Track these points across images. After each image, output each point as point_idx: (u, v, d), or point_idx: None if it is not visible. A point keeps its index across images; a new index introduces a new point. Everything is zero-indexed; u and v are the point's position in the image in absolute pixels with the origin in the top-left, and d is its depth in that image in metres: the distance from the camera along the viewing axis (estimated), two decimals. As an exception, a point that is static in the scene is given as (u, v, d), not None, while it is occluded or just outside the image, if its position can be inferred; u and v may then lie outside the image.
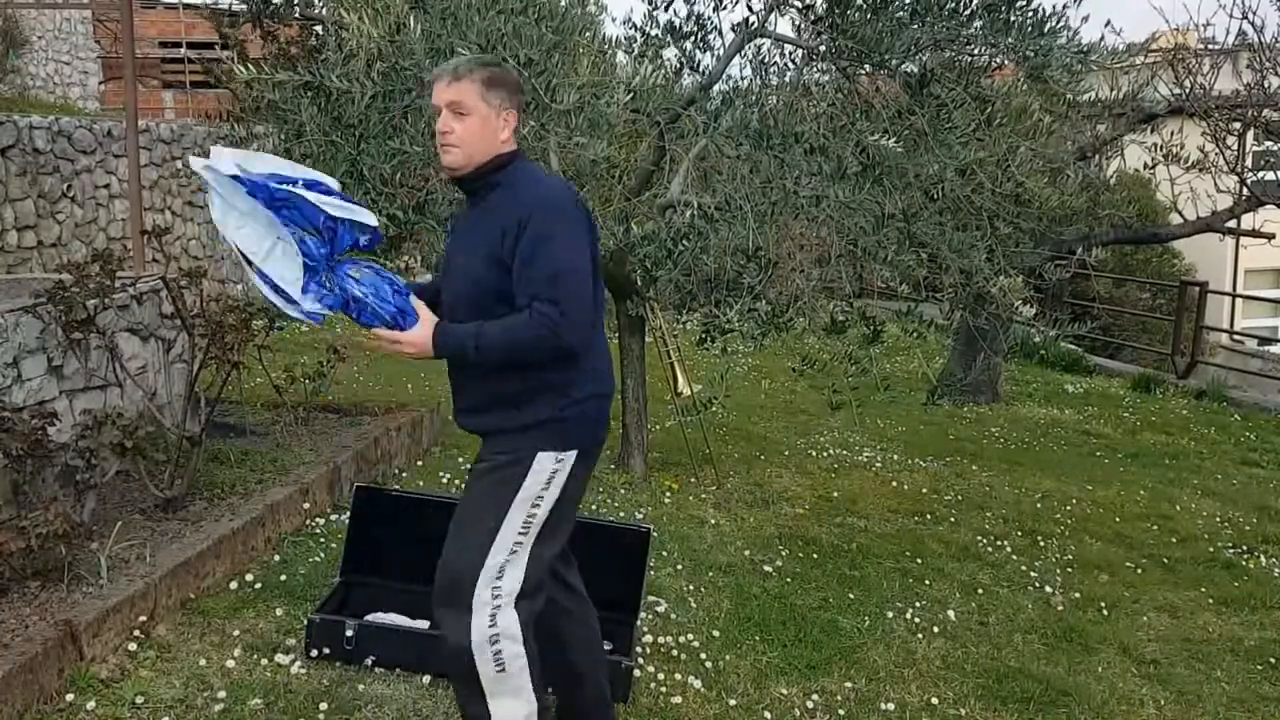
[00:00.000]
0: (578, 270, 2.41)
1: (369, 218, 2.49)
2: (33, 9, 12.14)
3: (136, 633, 3.15)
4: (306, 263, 2.40)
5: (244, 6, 5.30)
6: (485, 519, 2.48)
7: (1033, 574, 4.73)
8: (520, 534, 2.48)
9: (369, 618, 3.31)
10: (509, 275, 2.41)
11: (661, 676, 3.31)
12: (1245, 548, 5.48)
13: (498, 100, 2.48)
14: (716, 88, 4.74)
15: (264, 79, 3.91)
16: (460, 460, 5.41)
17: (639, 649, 3.42)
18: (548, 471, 2.48)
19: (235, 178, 2.34)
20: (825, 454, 6.67)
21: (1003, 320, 6.17)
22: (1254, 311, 15.90)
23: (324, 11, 5.46)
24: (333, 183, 2.50)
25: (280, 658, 3.17)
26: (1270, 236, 9.09)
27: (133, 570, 3.34)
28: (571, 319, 2.38)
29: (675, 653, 3.52)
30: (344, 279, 2.46)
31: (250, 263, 2.38)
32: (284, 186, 2.38)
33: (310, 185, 2.42)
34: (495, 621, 2.46)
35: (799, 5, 4.47)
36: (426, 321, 2.49)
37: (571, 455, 2.51)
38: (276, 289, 2.39)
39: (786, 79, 4.74)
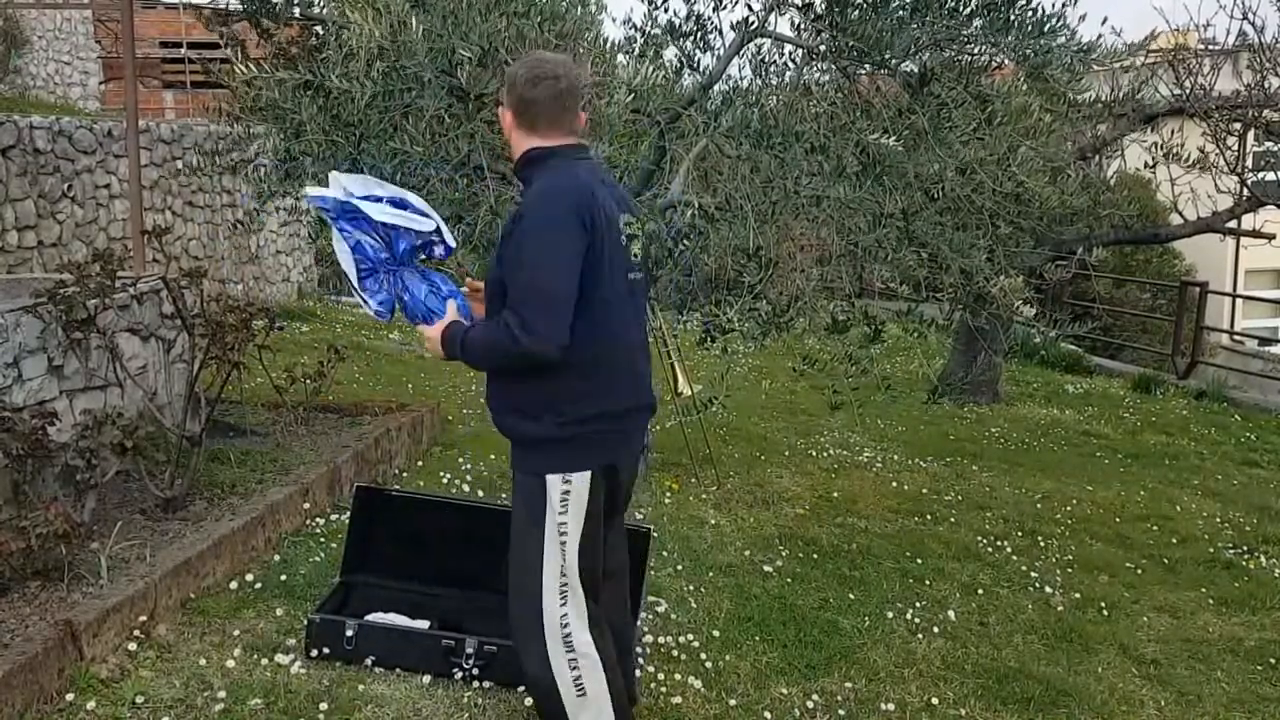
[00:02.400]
0: (548, 281, 2.38)
1: (421, 224, 2.65)
2: (33, 9, 12.13)
3: (136, 633, 3.14)
4: (360, 262, 2.63)
5: (240, 6, 5.29)
6: (528, 557, 2.57)
7: (1033, 574, 4.73)
8: (562, 563, 2.55)
9: (369, 618, 3.31)
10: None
11: (661, 677, 3.31)
12: (1245, 548, 5.48)
13: (505, 101, 2.58)
14: (716, 87, 4.74)
15: (264, 78, 3.90)
16: (460, 461, 5.41)
17: (639, 649, 3.42)
18: (558, 494, 2.52)
19: (332, 200, 2.60)
20: (825, 454, 6.66)
21: (1003, 320, 6.17)
22: (1254, 312, 15.89)
23: (324, 11, 5.46)
24: (414, 198, 2.69)
25: (280, 658, 3.16)
26: (1270, 237, 9.09)
27: (133, 570, 3.34)
28: (535, 333, 2.37)
29: (675, 653, 3.52)
30: (400, 281, 2.68)
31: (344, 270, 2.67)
32: (353, 200, 2.58)
33: (391, 200, 2.64)
34: (572, 647, 2.55)
35: (798, 4, 4.47)
36: (443, 322, 2.60)
37: (582, 476, 2.53)
38: (354, 288, 2.69)
39: (786, 78, 4.74)
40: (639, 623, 3.42)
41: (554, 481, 2.53)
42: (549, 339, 2.38)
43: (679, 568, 4.30)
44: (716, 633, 3.71)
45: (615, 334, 2.54)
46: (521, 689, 3.11)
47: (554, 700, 2.58)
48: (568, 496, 2.53)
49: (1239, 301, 14.73)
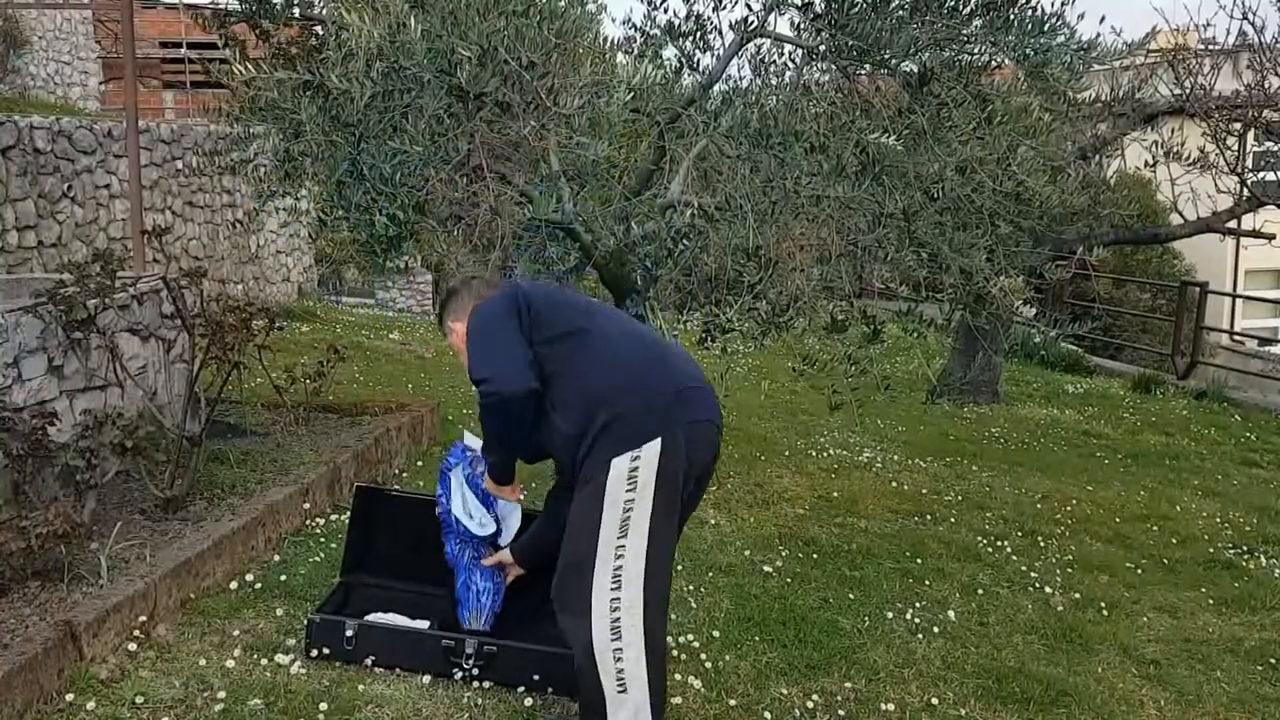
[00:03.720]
0: (481, 344, 2.61)
1: (480, 530, 3.31)
2: (33, 9, 12.14)
3: (136, 633, 3.14)
4: (444, 523, 3.38)
5: (239, 6, 5.30)
6: (582, 545, 2.53)
7: (1033, 574, 4.73)
8: (620, 538, 2.49)
9: (369, 618, 3.31)
10: None
11: (661, 676, 3.31)
12: (1245, 548, 5.48)
13: (450, 322, 2.87)
14: (716, 87, 4.74)
15: (263, 78, 3.90)
16: (460, 460, 5.41)
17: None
18: (626, 469, 2.49)
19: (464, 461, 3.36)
20: (825, 454, 6.66)
21: (1003, 320, 6.16)
22: (1254, 312, 15.90)
23: (324, 11, 5.46)
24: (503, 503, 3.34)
25: (280, 658, 3.16)
26: (1270, 237, 9.09)
27: (133, 570, 3.34)
28: (494, 382, 2.54)
29: (675, 653, 3.51)
30: (461, 557, 3.36)
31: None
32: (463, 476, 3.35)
33: (479, 492, 3.31)
34: (619, 634, 2.48)
35: (798, 4, 4.47)
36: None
37: (651, 445, 2.49)
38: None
39: (786, 78, 4.74)
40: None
41: (620, 462, 2.49)
42: (508, 374, 2.54)
43: (679, 568, 4.30)
44: (716, 633, 3.71)
45: (592, 348, 2.64)
46: (521, 689, 3.12)
47: (595, 691, 2.54)
48: (635, 472, 2.48)
49: (1239, 301, 14.73)
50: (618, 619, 2.49)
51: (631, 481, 2.48)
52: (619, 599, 2.49)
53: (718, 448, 2.72)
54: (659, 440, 2.49)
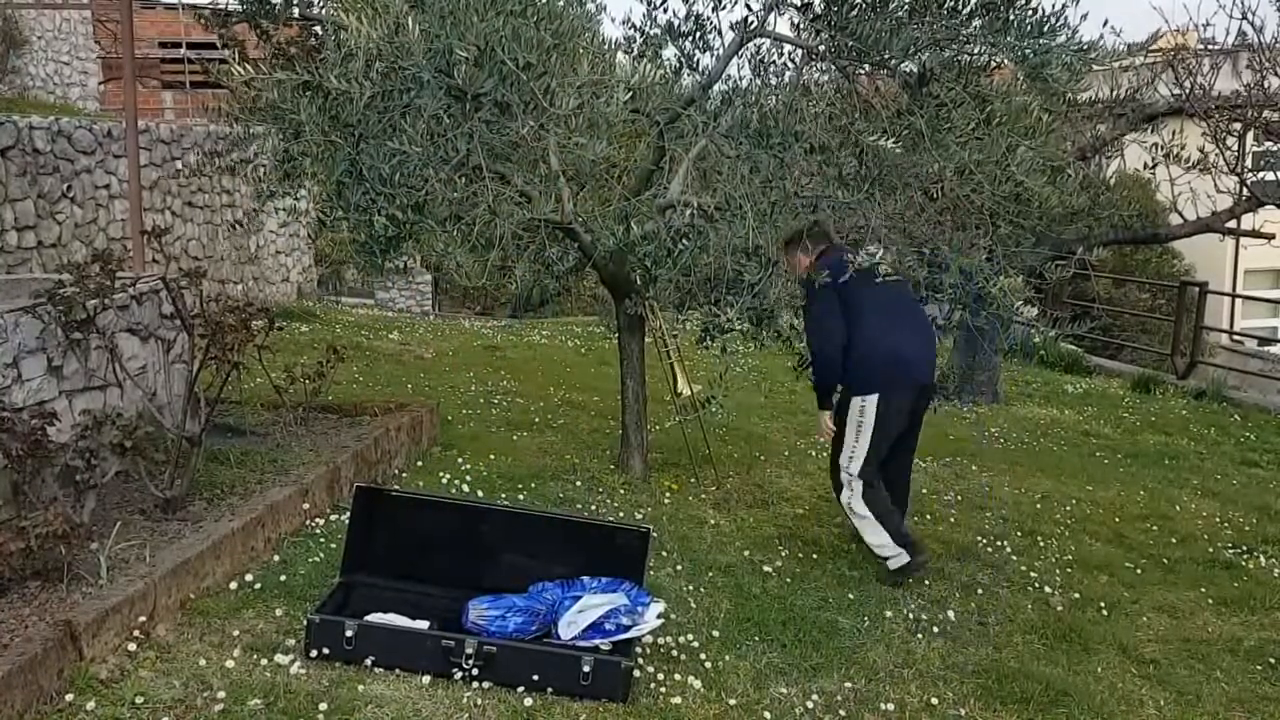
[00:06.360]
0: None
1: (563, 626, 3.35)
2: (33, 9, 12.14)
3: (136, 633, 3.14)
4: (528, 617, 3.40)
5: (239, 6, 5.30)
6: (842, 436, 4.50)
7: (1032, 574, 4.73)
8: (854, 442, 4.44)
9: (369, 618, 3.31)
10: None
11: (661, 677, 3.31)
12: (1245, 548, 5.48)
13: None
14: (716, 87, 4.74)
15: (263, 78, 3.90)
16: (460, 460, 5.41)
17: (639, 649, 3.42)
18: (858, 408, 4.42)
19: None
20: (825, 454, 6.64)
21: (1003, 320, 6.15)
22: (1253, 312, 15.92)
23: (323, 12, 5.46)
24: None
25: (280, 658, 3.16)
26: (1270, 237, 9.08)
27: (132, 570, 3.34)
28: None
29: (675, 653, 3.52)
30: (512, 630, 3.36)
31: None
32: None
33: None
34: (853, 490, 4.45)
35: (797, 4, 4.47)
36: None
37: (870, 397, 4.40)
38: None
39: (786, 79, 4.74)
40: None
41: (855, 401, 4.47)
42: (822, 351, 4.53)
43: (679, 568, 4.30)
44: (716, 633, 3.71)
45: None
46: (521, 689, 3.11)
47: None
48: (864, 409, 4.43)
49: (1238, 301, 14.74)
50: (850, 480, 4.45)
51: (861, 413, 4.43)
52: (851, 472, 4.46)
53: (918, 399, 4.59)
54: (876, 395, 4.39)
